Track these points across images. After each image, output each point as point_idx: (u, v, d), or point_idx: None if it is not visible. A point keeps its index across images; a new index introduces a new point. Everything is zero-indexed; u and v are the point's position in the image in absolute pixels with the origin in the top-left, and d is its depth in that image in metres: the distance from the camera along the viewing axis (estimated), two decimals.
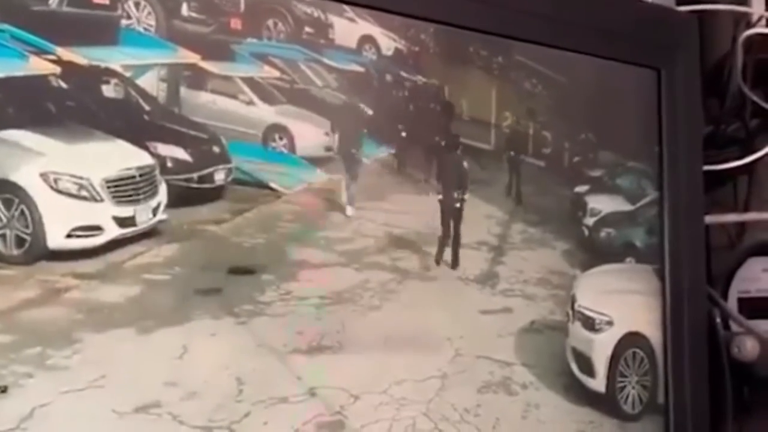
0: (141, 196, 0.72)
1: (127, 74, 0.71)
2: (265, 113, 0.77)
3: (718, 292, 1.11)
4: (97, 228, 0.70)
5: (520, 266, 0.89)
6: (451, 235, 0.83)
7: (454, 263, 0.84)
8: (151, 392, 0.69)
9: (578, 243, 0.94)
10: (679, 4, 1.18)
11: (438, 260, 0.83)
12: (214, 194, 0.74)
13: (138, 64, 0.70)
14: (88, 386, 0.66)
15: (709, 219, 1.10)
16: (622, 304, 0.96)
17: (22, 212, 0.66)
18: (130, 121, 0.71)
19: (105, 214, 0.70)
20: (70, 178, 0.68)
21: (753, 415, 1.14)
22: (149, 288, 0.69)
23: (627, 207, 0.98)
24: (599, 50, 0.94)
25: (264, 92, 0.77)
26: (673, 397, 0.95)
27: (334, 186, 0.80)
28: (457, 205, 0.84)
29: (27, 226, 0.66)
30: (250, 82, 0.77)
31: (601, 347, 0.93)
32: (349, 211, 0.77)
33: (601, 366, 0.92)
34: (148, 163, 0.71)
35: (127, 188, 0.71)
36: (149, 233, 0.71)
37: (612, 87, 0.97)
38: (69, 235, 0.68)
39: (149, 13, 0.70)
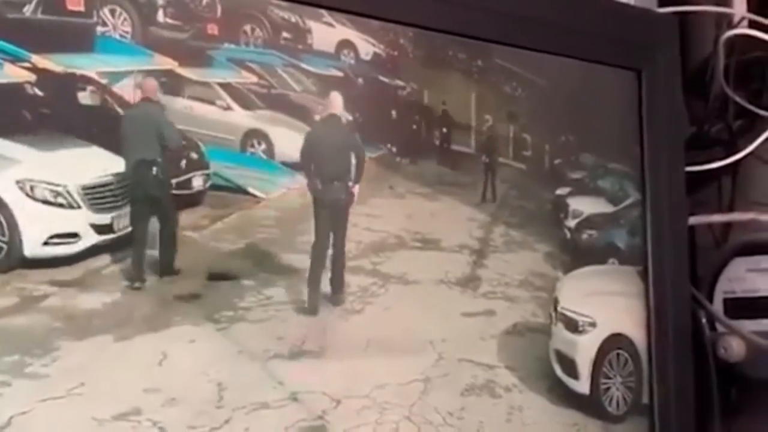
0: (119, 203, 0.72)
1: (103, 81, 0.70)
2: (243, 118, 0.77)
3: (703, 293, 1.11)
4: (75, 235, 0.70)
5: (502, 269, 0.89)
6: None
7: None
8: (130, 399, 0.68)
9: (560, 245, 0.94)
10: (660, 5, 1.19)
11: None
12: (193, 200, 0.74)
13: (114, 71, 0.70)
14: (67, 394, 0.66)
15: (694, 220, 1.10)
16: (605, 305, 0.96)
17: None
18: (107, 127, 0.71)
19: (82, 221, 0.70)
20: (47, 186, 0.68)
21: (741, 415, 1.14)
22: (128, 295, 0.69)
23: (609, 208, 0.98)
24: (579, 52, 0.94)
25: (242, 97, 0.77)
26: (657, 398, 0.95)
27: None
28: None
29: (3, 234, 0.66)
30: (227, 87, 0.77)
31: (584, 349, 0.93)
32: None
33: (584, 368, 0.92)
34: (125, 169, 0.71)
35: (104, 195, 0.71)
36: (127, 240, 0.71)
37: (593, 89, 0.97)
38: (46, 243, 0.68)
39: (125, 20, 0.70)
